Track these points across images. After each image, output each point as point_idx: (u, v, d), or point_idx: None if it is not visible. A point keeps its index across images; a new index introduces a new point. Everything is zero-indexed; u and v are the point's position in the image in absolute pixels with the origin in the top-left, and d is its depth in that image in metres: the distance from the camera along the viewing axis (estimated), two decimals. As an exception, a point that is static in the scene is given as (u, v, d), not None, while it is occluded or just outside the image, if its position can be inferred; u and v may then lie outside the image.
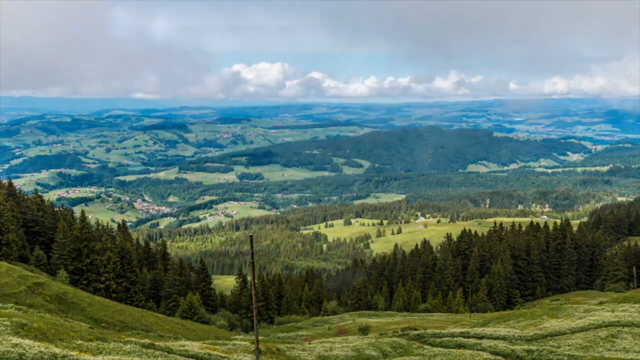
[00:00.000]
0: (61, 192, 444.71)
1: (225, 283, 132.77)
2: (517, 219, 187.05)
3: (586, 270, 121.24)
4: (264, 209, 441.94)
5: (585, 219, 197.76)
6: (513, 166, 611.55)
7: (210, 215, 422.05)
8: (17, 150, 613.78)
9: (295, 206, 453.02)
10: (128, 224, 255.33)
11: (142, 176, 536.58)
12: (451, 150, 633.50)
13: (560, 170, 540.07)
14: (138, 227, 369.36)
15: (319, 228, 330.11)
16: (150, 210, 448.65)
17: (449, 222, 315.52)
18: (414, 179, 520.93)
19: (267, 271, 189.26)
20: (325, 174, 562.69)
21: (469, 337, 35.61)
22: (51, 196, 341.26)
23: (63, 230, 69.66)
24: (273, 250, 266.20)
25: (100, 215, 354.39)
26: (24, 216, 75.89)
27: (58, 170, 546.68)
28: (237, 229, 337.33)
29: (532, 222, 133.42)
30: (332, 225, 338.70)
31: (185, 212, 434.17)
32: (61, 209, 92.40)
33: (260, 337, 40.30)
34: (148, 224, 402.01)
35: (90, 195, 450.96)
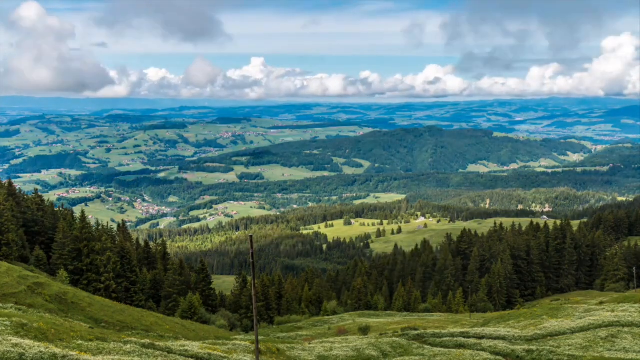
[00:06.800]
0: (61, 192, 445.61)
1: (225, 283, 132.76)
2: (517, 219, 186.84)
3: (586, 270, 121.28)
4: (264, 209, 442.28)
5: (585, 219, 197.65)
6: (513, 166, 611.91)
7: (210, 215, 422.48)
8: (17, 150, 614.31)
9: (295, 206, 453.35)
10: (128, 224, 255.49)
11: (142, 176, 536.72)
12: (451, 150, 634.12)
13: (560, 170, 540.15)
14: (138, 227, 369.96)
15: (319, 228, 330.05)
16: (150, 210, 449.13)
17: (449, 222, 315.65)
18: (414, 179, 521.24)
19: (267, 271, 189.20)
20: (325, 174, 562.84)
21: (469, 337, 35.59)
22: (51, 196, 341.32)
23: (63, 230, 69.63)
24: (273, 250, 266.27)
25: (100, 215, 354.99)
26: (24, 216, 75.86)
27: (58, 170, 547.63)
28: (237, 229, 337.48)
29: (532, 222, 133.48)
30: (332, 225, 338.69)
31: (185, 212, 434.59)
32: (61, 209, 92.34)
33: (260, 337, 40.28)
34: (148, 224, 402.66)
35: (90, 195, 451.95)
